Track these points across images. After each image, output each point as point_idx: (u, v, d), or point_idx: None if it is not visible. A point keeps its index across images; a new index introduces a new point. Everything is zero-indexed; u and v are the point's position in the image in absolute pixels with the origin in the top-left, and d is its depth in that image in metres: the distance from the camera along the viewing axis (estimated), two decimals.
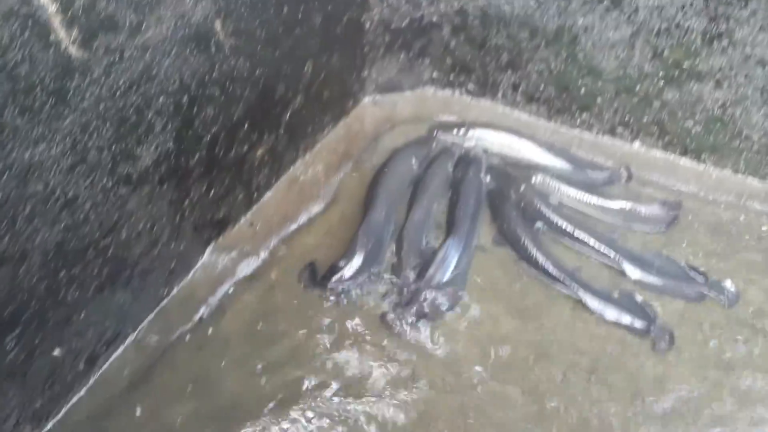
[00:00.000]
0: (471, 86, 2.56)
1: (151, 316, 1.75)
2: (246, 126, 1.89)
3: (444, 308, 1.85)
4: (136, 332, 1.71)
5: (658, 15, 2.05)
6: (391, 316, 1.84)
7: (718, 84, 2.11)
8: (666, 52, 2.12)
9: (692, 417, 1.63)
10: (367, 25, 2.40)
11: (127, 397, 1.62)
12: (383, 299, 1.89)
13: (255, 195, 2.05)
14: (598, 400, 1.67)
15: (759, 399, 1.66)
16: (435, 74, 2.59)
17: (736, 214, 2.15)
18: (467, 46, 2.46)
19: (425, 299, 1.85)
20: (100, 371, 1.63)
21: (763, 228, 2.12)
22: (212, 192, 1.84)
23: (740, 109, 2.14)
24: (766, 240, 2.08)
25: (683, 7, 2.00)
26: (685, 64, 2.12)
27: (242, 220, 2.02)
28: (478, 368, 1.74)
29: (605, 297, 1.87)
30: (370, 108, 2.55)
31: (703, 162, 2.29)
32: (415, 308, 1.83)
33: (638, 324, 1.81)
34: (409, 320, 1.82)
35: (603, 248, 1.99)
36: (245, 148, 1.93)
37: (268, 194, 2.11)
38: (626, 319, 1.82)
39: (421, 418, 1.64)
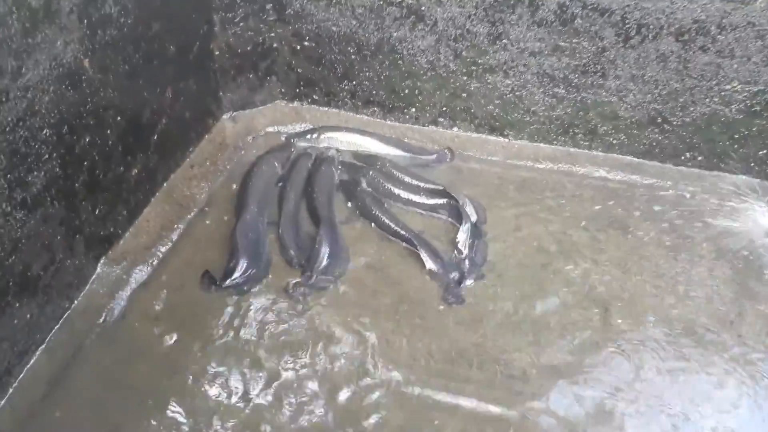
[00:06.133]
0: (316, 97, 2.95)
1: (58, 325, 1.92)
2: (120, 149, 2.10)
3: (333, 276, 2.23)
4: (46, 342, 1.88)
5: (453, 24, 2.57)
6: (291, 291, 2.17)
7: (506, 74, 2.69)
8: (464, 53, 2.66)
9: None
10: (216, 52, 2.71)
11: (46, 401, 1.77)
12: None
13: (135, 210, 2.28)
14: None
15: None
16: (283, 89, 2.95)
17: (532, 173, 2.74)
18: (307, 63, 2.85)
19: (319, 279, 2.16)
20: (17, 381, 1.79)
21: (554, 179, 2.73)
22: (97, 210, 2.05)
23: (525, 91, 2.74)
24: (558, 189, 2.69)
25: (470, 16, 2.54)
26: (480, 61, 2.67)
27: (127, 234, 2.24)
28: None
29: (435, 253, 2.33)
30: (229, 124, 2.85)
31: (506, 137, 2.88)
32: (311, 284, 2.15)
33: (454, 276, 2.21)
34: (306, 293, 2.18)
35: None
36: (121, 169, 2.16)
37: (147, 209, 2.34)
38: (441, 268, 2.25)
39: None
